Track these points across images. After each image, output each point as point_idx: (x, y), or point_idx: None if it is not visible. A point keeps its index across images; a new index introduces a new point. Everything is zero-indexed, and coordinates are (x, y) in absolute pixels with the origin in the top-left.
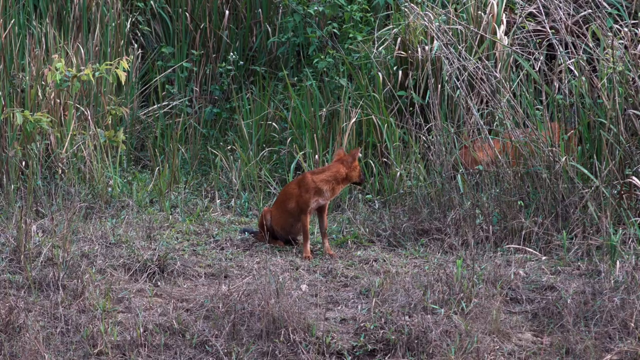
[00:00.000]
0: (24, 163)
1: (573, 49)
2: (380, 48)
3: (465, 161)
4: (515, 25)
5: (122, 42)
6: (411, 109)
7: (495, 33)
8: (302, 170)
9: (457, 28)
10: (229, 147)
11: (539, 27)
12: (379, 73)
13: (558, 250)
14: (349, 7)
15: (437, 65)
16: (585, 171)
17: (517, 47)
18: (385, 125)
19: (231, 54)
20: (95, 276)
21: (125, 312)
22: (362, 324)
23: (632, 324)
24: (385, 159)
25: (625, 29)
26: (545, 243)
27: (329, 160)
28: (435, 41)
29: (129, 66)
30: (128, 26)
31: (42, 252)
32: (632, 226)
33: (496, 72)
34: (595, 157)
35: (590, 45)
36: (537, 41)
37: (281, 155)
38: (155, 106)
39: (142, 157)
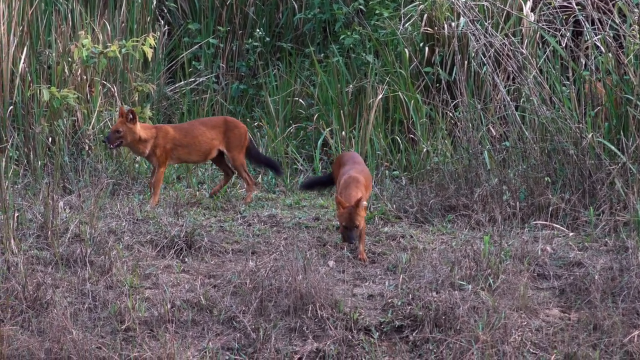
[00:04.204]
0: (50, 139)
1: (599, 25)
2: (406, 24)
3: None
4: (541, 2)
5: (149, 18)
6: (438, 85)
7: (521, 9)
8: (329, 147)
9: (483, 4)
10: (255, 124)
11: (565, 3)
12: (406, 49)
13: (585, 226)
14: None
15: (464, 41)
16: (612, 147)
17: (544, 23)
18: (412, 101)
19: (257, 30)
20: (122, 252)
21: (152, 289)
22: (389, 300)
23: None
24: (412, 136)
25: None
26: (572, 219)
27: (356, 137)
28: (461, 17)
29: (156, 43)
30: (154, 2)
31: (70, 229)
32: None
33: (522, 48)
34: (622, 133)
35: (617, 21)
36: (564, 17)
37: (308, 132)
38: (182, 83)
39: None
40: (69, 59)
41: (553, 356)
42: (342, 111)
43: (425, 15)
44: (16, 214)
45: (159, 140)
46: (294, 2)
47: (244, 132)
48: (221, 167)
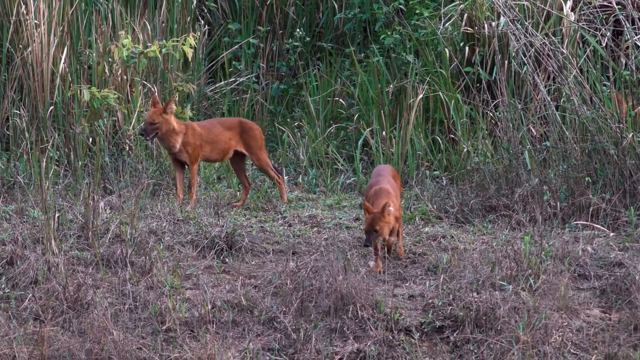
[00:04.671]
0: (91, 140)
1: None
2: (446, 24)
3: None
4: (581, 1)
5: (189, 18)
6: (478, 85)
7: (561, 9)
8: (370, 147)
9: (523, 4)
10: (296, 124)
11: (605, 3)
12: (446, 49)
13: (626, 226)
14: None
15: (504, 41)
16: None
17: (584, 23)
18: (452, 101)
19: (298, 30)
20: (163, 253)
21: (193, 289)
22: (430, 301)
23: None
24: (452, 136)
25: None
26: (613, 219)
27: (397, 137)
28: (501, 17)
29: (196, 43)
30: (194, 2)
31: (110, 229)
32: None
33: (563, 48)
34: None
35: None
36: (604, 17)
37: (348, 132)
38: (222, 83)
39: None
40: (109, 59)
41: (594, 357)
42: (382, 111)
43: (466, 15)
44: (57, 215)
45: (189, 138)
46: (334, 2)
47: (259, 133)
48: (239, 178)
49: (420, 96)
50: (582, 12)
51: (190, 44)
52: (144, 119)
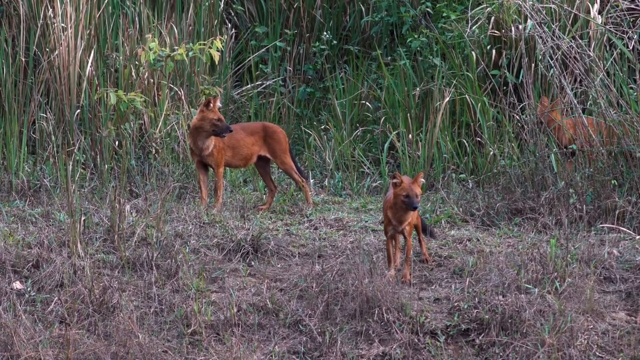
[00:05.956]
0: (117, 143)
1: None
2: (473, 27)
3: (558, 139)
4: (608, 4)
5: (216, 21)
6: (505, 88)
7: (588, 12)
8: (396, 150)
9: (550, 7)
10: (322, 127)
11: (632, 6)
12: (473, 52)
13: None
14: None
15: (531, 44)
16: None
17: (611, 25)
18: (479, 104)
19: (325, 33)
20: (189, 256)
21: (219, 292)
22: (455, 304)
23: None
24: (478, 139)
25: None
26: (639, 222)
27: (423, 140)
28: (529, 20)
29: (223, 46)
30: (222, 6)
31: (136, 232)
32: None
33: (590, 51)
34: None
35: None
36: (631, 20)
37: (375, 135)
38: (249, 86)
39: None
40: (136, 62)
41: (619, 359)
42: (408, 114)
43: (493, 18)
44: (83, 218)
45: (215, 140)
46: (361, 5)
47: (283, 136)
48: (265, 181)
49: (447, 99)
50: (609, 15)
51: (217, 47)
52: (170, 122)
